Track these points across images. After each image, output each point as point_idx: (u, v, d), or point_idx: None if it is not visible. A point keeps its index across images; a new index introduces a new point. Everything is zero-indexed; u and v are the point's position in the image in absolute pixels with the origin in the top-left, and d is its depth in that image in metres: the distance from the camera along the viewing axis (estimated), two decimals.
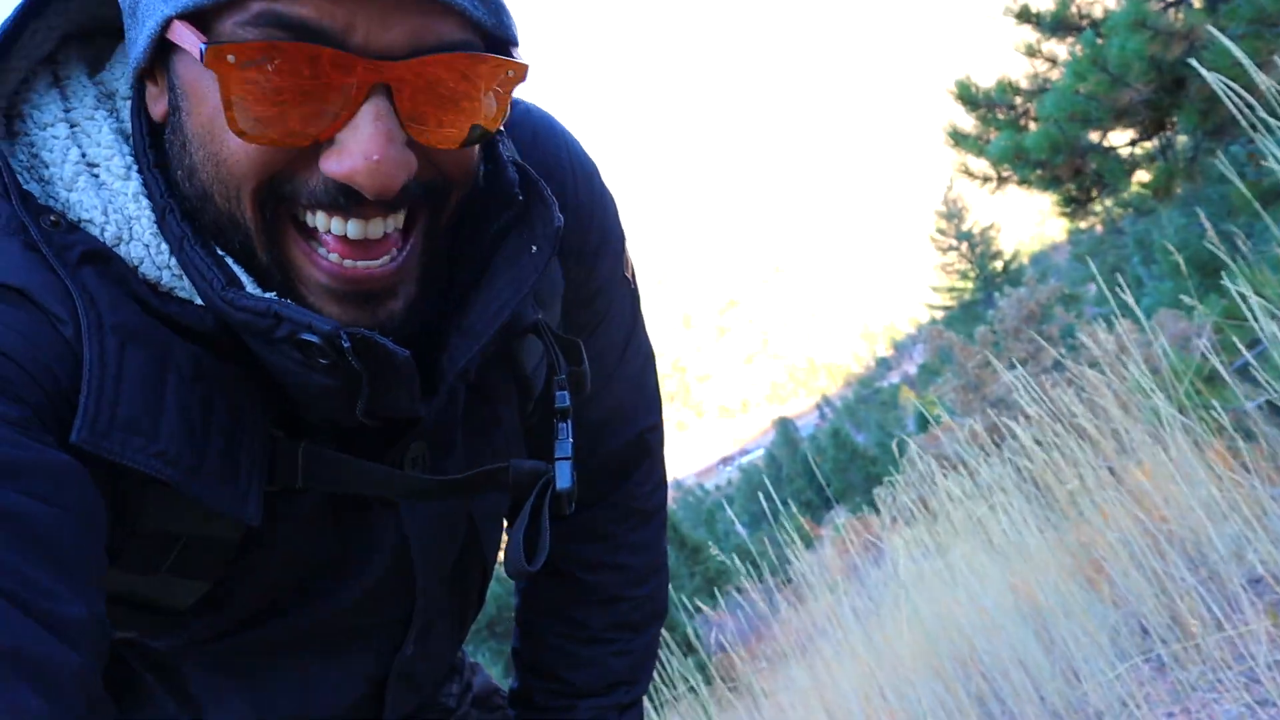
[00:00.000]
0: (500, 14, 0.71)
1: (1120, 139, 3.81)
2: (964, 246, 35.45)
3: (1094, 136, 3.80)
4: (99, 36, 0.80)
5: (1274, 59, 4.01)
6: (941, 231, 35.25)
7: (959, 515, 4.97)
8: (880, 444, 60.42)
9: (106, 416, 0.65)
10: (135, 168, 0.74)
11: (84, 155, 0.73)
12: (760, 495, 4.93)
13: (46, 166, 0.72)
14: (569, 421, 0.86)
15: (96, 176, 0.72)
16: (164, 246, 0.72)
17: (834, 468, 50.70)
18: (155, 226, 0.72)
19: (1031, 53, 4.60)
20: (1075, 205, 4.26)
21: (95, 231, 0.71)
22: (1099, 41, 3.51)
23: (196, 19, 0.66)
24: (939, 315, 36.97)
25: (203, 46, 0.64)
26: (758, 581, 5.32)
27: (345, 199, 0.68)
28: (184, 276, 0.72)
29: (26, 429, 0.62)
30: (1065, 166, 3.88)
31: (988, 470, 4.77)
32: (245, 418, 0.72)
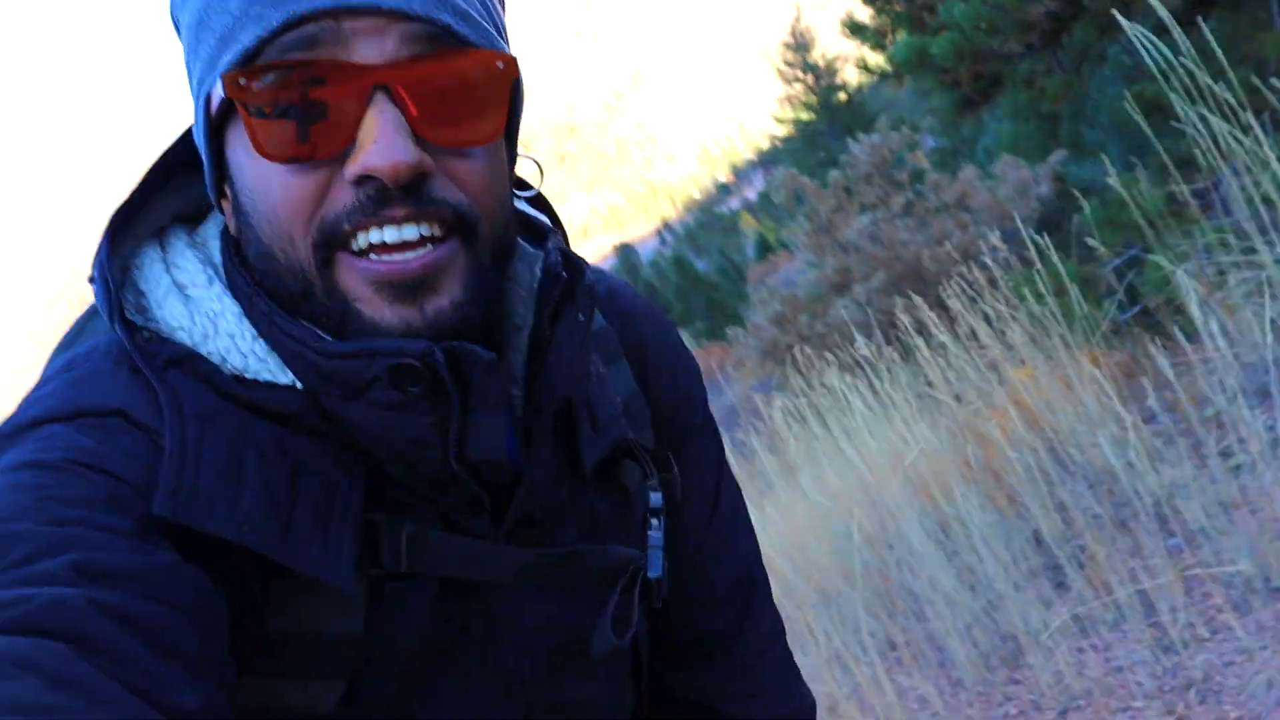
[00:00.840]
0: (486, 32, 0.79)
1: (1016, 46, 3.92)
2: (810, 78, 35.58)
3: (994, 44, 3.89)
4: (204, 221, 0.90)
5: None
6: (788, 63, 35.21)
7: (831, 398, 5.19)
8: (722, 270, 61.78)
9: (188, 487, 0.69)
10: (218, 279, 0.82)
11: (174, 281, 0.81)
12: None
13: (144, 295, 0.80)
14: (661, 519, 0.92)
15: (184, 292, 0.80)
16: (247, 333, 0.78)
17: (676, 294, 51.68)
18: (239, 317, 0.78)
19: None
20: (969, 107, 4.40)
21: (184, 337, 0.77)
22: None
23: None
24: (779, 144, 37.34)
25: (224, 80, 0.73)
26: None
27: (374, 202, 0.73)
28: (268, 360, 0.77)
29: (136, 537, 0.66)
30: (967, 74, 3.98)
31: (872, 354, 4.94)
32: (335, 491, 0.75)
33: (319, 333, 0.76)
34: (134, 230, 0.84)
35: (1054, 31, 3.94)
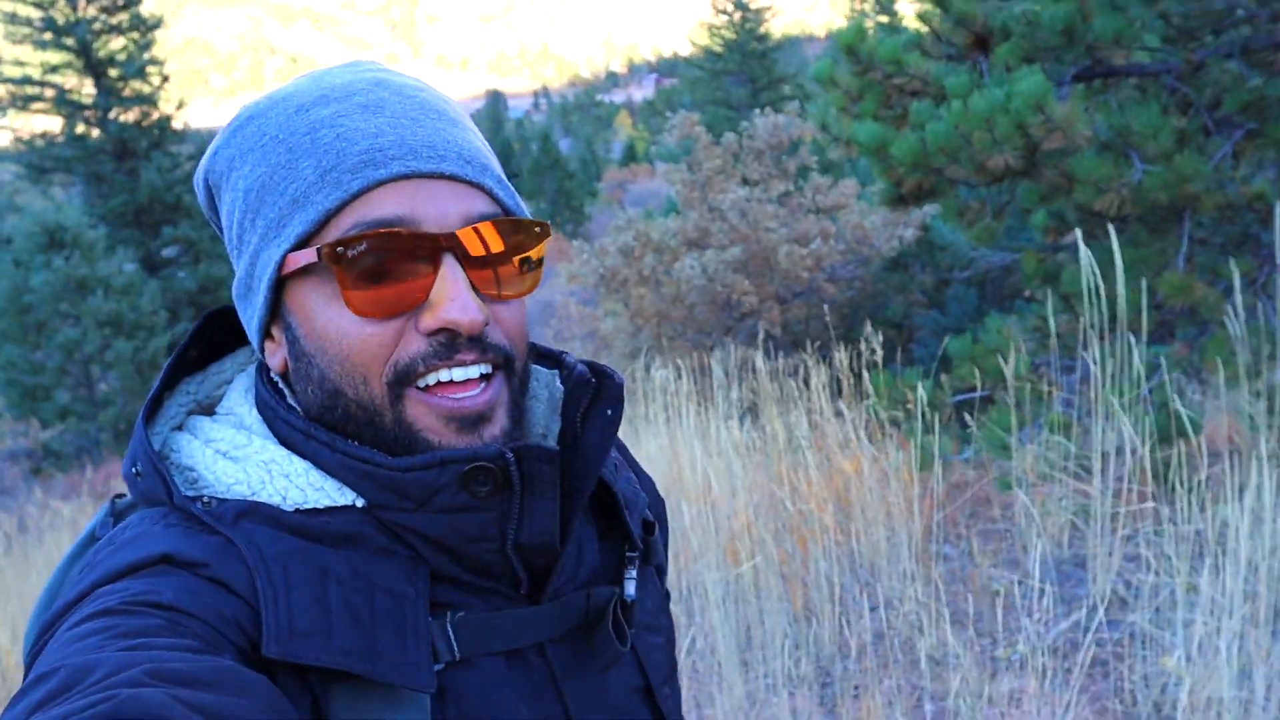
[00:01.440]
0: (514, 196, 0.95)
1: (965, 178, 4.06)
2: (738, 15, 35.22)
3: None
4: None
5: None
6: None
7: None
8: (583, 160, 61.13)
9: (286, 628, 0.76)
10: (257, 435, 0.89)
11: (217, 451, 0.89)
12: None
13: (191, 470, 0.88)
14: (636, 563, 1.03)
15: (229, 455, 0.88)
16: (301, 468, 0.86)
17: (532, 166, 50.80)
18: (289, 457, 0.87)
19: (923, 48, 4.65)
20: (900, 202, 4.53)
21: (242, 490, 0.85)
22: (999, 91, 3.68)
23: (303, 246, 0.86)
24: (681, 60, 36.85)
25: (318, 249, 0.83)
26: None
27: (445, 348, 0.85)
28: (324, 486, 0.85)
29: (201, 652, 0.72)
30: (912, 184, 4.10)
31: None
32: (404, 603, 0.82)
33: (378, 452, 0.85)
34: (156, 426, 0.94)
35: (1002, 178, 4.10)
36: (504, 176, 0.95)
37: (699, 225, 14.69)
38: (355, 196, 0.84)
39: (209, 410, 0.99)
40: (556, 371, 1.03)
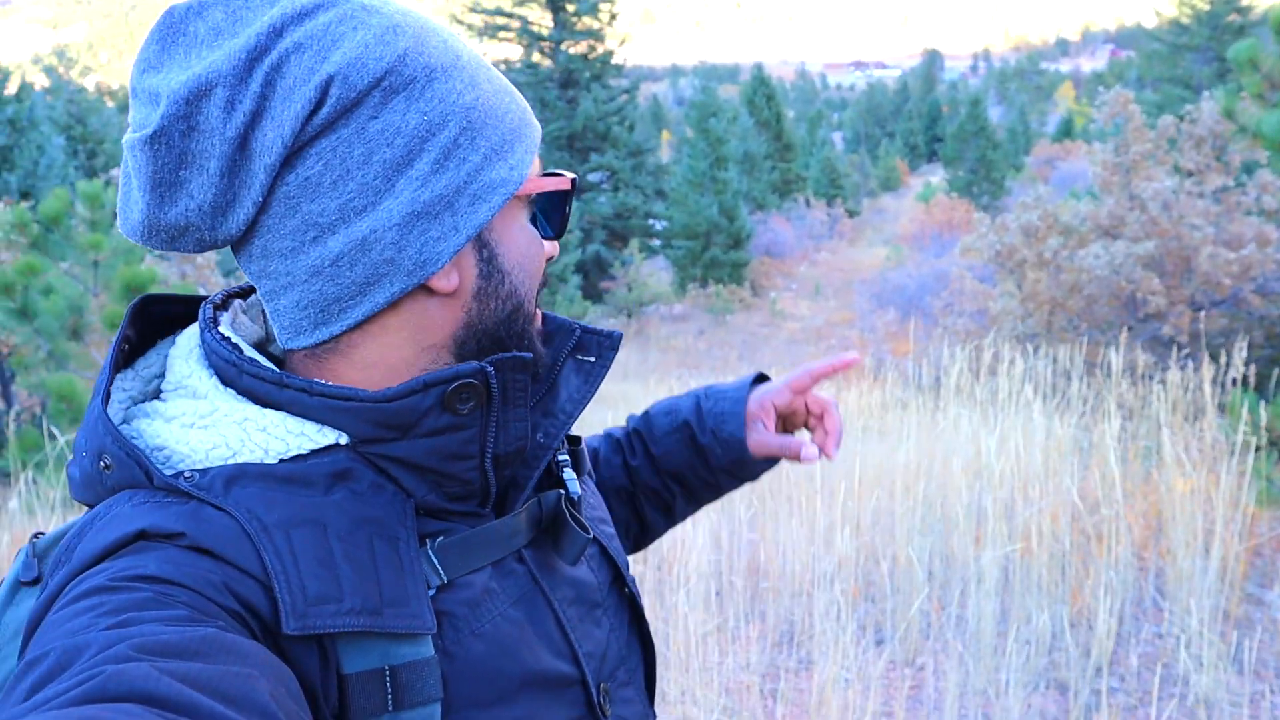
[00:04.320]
0: None
1: None
2: None
3: None
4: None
5: None
6: None
7: None
8: (1012, 131, 57.70)
9: (301, 600, 0.78)
10: (221, 398, 0.89)
11: (183, 424, 0.88)
12: None
13: (161, 449, 0.86)
14: (570, 469, 1.09)
15: (196, 426, 0.87)
16: (276, 418, 0.87)
17: (957, 133, 48.76)
18: (262, 410, 0.87)
19: None
20: None
21: (222, 455, 0.85)
22: None
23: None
24: (1143, 30, 33.44)
25: (568, 178, 0.98)
26: None
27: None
28: (304, 430, 0.87)
29: (191, 622, 0.71)
30: None
31: None
32: (397, 545, 0.85)
33: (358, 389, 0.87)
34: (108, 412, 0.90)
35: None
36: None
37: (1114, 213, 13.57)
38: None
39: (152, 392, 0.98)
40: None
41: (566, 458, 1.11)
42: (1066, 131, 60.26)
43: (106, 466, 0.86)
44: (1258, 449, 3.90)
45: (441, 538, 0.91)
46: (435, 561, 0.89)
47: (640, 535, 1.51)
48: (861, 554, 3.72)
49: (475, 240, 0.90)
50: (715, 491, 1.43)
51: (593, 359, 1.09)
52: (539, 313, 1.03)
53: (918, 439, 4.88)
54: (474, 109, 0.87)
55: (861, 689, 2.95)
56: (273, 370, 0.89)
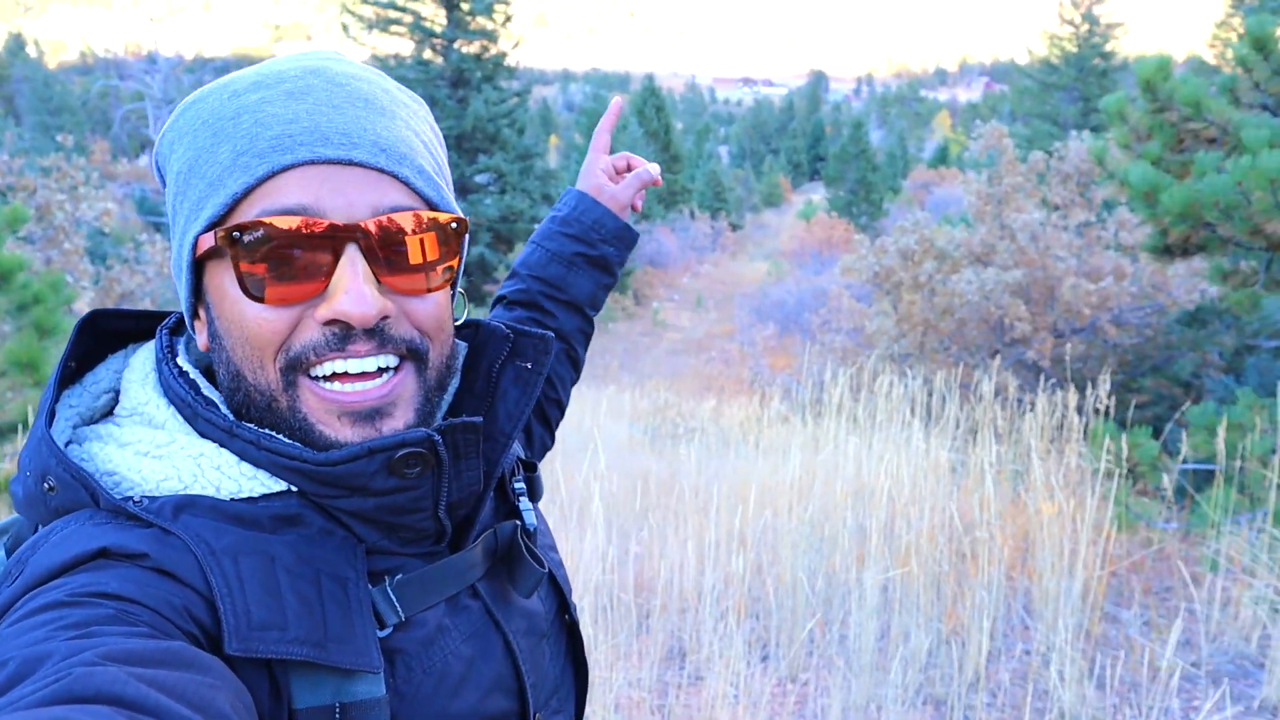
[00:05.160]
0: (439, 189, 0.93)
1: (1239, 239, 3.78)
2: (1084, 28, 33.28)
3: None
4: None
5: None
6: (1074, 2, 32.88)
7: None
8: (891, 154, 59.82)
9: (245, 622, 0.78)
10: (180, 430, 0.89)
11: (136, 451, 0.88)
12: None
13: (113, 474, 0.86)
14: (525, 499, 1.11)
15: (151, 455, 0.88)
16: (231, 460, 0.87)
17: (839, 153, 50.28)
18: (218, 449, 0.87)
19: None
20: (1165, 253, 4.28)
21: (173, 486, 0.85)
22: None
23: (214, 228, 0.87)
24: (1015, 66, 35.11)
25: (215, 233, 0.85)
26: None
27: (339, 339, 0.85)
28: (257, 475, 0.87)
29: (155, 636, 0.72)
30: (1178, 235, 3.86)
31: None
32: (347, 585, 0.85)
33: (304, 448, 0.86)
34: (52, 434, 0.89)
35: (1279, 246, 3.79)
36: (436, 169, 0.95)
37: (985, 241, 14.20)
38: (262, 181, 0.84)
39: (91, 422, 0.96)
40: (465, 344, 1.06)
41: (522, 485, 1.11)
42: (942, 158, 62.66)
43: (50, 488, 0.85)
44: (1117, 475, 4.14)
45: (400, 575, 0.91)
46: (393, 599, 0.89)
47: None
48: (748, 571, 3.79)
49: (203, 302, 0.91)
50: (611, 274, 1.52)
51: (529, 365, 1.04)
52: (326, 395, 0.88)
53: (801, 457, 5.01)
54: (181, 173, 0.89)
55: (749, 705, 3.02)
56: (225, 418, 0.88)
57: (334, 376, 0.86)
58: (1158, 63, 4.45)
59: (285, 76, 0.89)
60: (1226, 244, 3.94)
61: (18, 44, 66.50)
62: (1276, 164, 3.66)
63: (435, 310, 0.92)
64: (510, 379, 1.03)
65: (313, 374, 0.86)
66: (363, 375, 0.87)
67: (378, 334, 0.86)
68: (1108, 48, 33.16)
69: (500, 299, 1.47)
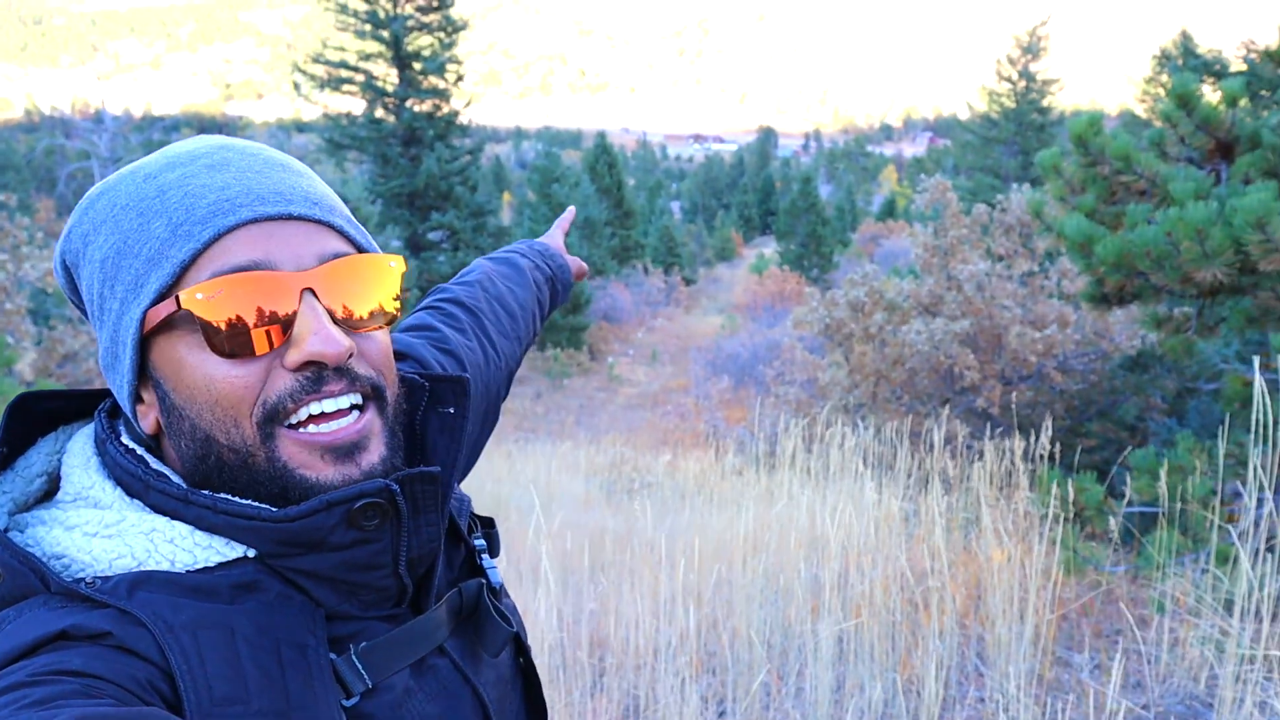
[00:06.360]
0: (365, 235, 1.00)
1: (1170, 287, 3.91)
2: (1021, 84, 34.30)
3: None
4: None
5: None
6: (1011, 60, 33.93)
7: None
8: (840, 209, 60.93)
9: (207, 699, 0.78)
10: (129, 508, 0.88)
11: (84, 532, 0.87)
12: None
13: (61, 557, 0.86)
14: (486, 555, 1.11)
15: (101, 535, 0.87)
16: (184, 530, 0.87)
17: (790, 208, 51.09)
18: (170, 523, 0.87)
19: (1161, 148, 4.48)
20: (1102, 302, 4.40)
21: (126, 564, 0.84)
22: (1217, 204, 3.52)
23: (162, 300, 0.87)
24: (958, 121, 36.02)
25: (176, 297, 0.85)
26: None
27: (313, 381, 0.88)
28: (212, 544, 0.87)
29: (120, 703, 0.73)
30: (1113, 284, 3.98)
31: None
32: (306, 652, 0.86)
33: (262, 506, 0.87)
34: None
35: (1212, 292, 3.92)
36: (353, 218, 1.00)
37: (933, 292, 14.45)
38: (208, 245, 0.86)
39: (27, 508, 0.95)
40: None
41: (483, 541, 1.12)
42: (890, 211, 64.03)
43: None
44: (1064, 520, 4.20)
45: (365, 642, 0.91)
46: (359, 667, 0.89)
47: None
48: (703, 626, 3.78)
49: (150, 381, 0.91)
50: None
51: (451, 409, 1.05)
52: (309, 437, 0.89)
53: (755, 509, 5.02)
54: (108, 259, 0.89)
55: None
56: (179, 486, 0.89)
57: (310, 420, 0.88)
58: (1089, 119, 4.61)
59: (197, 154, 0.92)
60: (1159, 292, 4.07)
61: None
62: (1203, 215, 3.80)
63: (384, 350, 0.96)
64: (436, 428, 1.04)
65: (289, 423, 0.88)
66: (338, 413, 0.89)
67: (347, 372, 0.90)
68: (1045, 103, 34.19)
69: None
